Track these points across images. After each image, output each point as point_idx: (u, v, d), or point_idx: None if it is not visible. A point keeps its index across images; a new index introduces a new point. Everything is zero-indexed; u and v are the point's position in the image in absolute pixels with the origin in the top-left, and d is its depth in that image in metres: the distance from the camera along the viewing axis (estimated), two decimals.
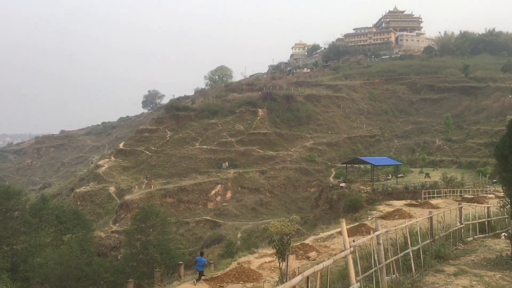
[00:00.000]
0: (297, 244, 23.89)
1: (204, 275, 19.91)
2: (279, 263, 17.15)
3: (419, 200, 41.97)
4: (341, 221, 9.11)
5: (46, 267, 38.21)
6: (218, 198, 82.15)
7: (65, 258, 39.06)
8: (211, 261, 31.96)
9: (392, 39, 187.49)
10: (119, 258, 54.82)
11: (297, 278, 6.05)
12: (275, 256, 20.92)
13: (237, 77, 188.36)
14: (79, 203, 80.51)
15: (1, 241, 45.02)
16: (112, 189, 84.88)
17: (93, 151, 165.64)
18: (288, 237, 16.14)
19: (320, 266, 7.17)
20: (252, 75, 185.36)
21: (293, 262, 6.19)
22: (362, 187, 56.26)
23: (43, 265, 38.59)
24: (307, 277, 6.91)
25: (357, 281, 8.82)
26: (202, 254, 22.37)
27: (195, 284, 18.70)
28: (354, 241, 9.79)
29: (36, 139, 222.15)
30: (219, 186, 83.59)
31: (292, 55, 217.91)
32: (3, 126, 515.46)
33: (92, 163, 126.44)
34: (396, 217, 30.14)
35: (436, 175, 60.34)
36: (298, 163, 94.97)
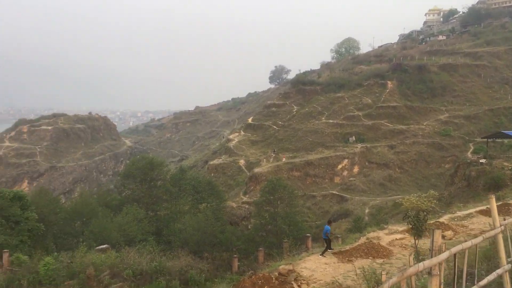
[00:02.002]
0: (432, 222, 22.61)
1: (331, 248, 19.70)
2: (415, 240, 16.35)
3: None
4: (490, 198, 8.22)
5: (185, 232, 41.18)
6: (345, 173, 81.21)
7: (202, 225, 41.75)
8: (338, 235, 31.80)
9: None
10: (249, 227, 57.28)
11: (444, 254, 5.59)
12: (407, 233, 19.98)
13: (364, 48, 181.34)
14: (212, 174, 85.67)
15: (147, 208, 49.59)
16: (242, 162, 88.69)
17: (224, 125, 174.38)
18: (425, 213, 15.28)
19: (469, 243, 6.56)
20: (381, 46, 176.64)
21: (439, 238, 5.71)
22: (505, 163, 50.98)
23: (183, 230, 41.62)
24: (454, 255, 6.38)
25: (508, 263, 7.95)
26: (329, 222, 22.28)
27: (324, 256, 18.68)
28: (504, 219, 8.83)
29: (174, 114, 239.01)
30: (346, 160, 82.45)
31: (425, 22, 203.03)
32: (147, 104, 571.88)
33: (223, 137, 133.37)
34: None
35: None
36: (431, 137, 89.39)
